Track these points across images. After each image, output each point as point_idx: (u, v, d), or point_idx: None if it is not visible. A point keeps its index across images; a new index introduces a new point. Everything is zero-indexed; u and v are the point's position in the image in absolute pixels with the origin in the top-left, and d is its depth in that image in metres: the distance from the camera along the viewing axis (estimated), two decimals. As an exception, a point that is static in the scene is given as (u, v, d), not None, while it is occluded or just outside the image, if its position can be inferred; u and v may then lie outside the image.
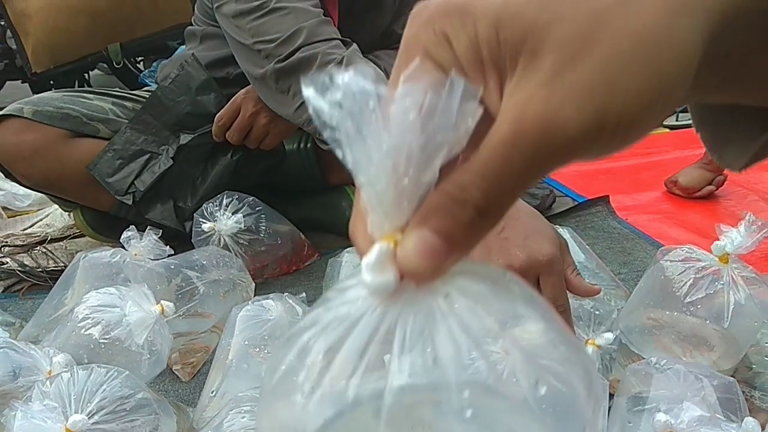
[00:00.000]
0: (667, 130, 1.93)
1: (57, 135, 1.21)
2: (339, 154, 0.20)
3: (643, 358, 0.77)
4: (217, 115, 1.21)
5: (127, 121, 1.24)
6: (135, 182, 1.21)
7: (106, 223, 1.32)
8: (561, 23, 0.19)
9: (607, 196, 1.46)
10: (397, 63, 0.22)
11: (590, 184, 1.55)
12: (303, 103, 1.06)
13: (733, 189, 1.51)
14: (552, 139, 0.19)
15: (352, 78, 0.19)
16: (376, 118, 0.19)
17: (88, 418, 0.61)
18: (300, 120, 1.11)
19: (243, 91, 1.21)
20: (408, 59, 0.21)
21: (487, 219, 0.20)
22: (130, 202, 1.21)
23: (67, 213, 1.43)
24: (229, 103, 1.21)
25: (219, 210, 1.11)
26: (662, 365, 0.71)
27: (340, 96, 0.19)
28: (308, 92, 0.20)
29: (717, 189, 1.48)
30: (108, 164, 1.22)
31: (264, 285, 1.16)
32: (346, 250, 1.09)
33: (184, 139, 1.22)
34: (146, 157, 1.22)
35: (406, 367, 0.20)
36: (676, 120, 1.95)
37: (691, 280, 0.78)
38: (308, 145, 1.36)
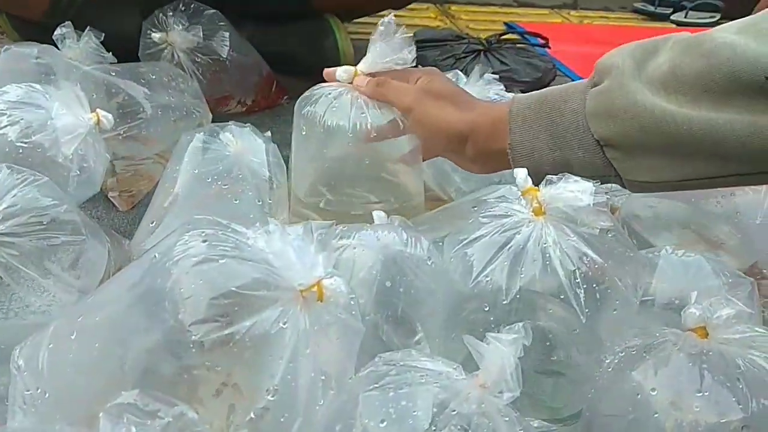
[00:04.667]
0: (674, 26, 1.79)
1: None
2: None
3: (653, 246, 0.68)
4: None
5: None
6: None
7: (38, 29, 1.11)
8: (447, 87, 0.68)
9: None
10: None
11: (591, 67, 1.43)
12: None
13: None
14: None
15: None
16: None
17: (-8, 227, 0.48)
18: None
19: None
20: None
21: (377, 89, 0.67)
22: None
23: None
24: None
25: (173, 18, 0.91)
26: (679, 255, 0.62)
27: None
28: None
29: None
30: None
31: (222, 121, 1.00)
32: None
33: None
34: None
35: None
36: (685, 17, 1.81)
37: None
38: None
